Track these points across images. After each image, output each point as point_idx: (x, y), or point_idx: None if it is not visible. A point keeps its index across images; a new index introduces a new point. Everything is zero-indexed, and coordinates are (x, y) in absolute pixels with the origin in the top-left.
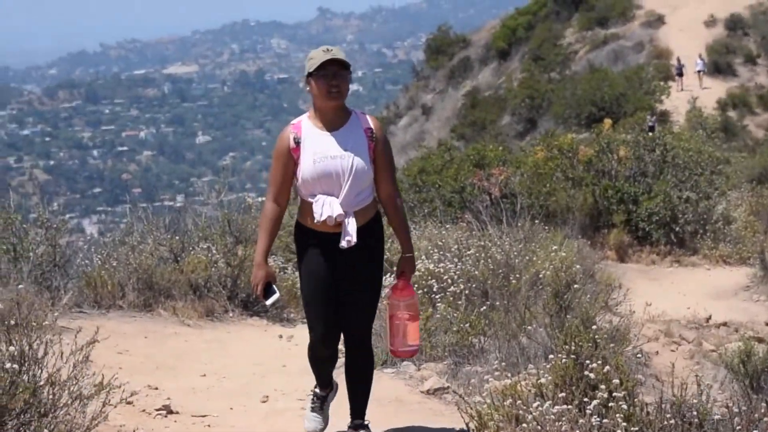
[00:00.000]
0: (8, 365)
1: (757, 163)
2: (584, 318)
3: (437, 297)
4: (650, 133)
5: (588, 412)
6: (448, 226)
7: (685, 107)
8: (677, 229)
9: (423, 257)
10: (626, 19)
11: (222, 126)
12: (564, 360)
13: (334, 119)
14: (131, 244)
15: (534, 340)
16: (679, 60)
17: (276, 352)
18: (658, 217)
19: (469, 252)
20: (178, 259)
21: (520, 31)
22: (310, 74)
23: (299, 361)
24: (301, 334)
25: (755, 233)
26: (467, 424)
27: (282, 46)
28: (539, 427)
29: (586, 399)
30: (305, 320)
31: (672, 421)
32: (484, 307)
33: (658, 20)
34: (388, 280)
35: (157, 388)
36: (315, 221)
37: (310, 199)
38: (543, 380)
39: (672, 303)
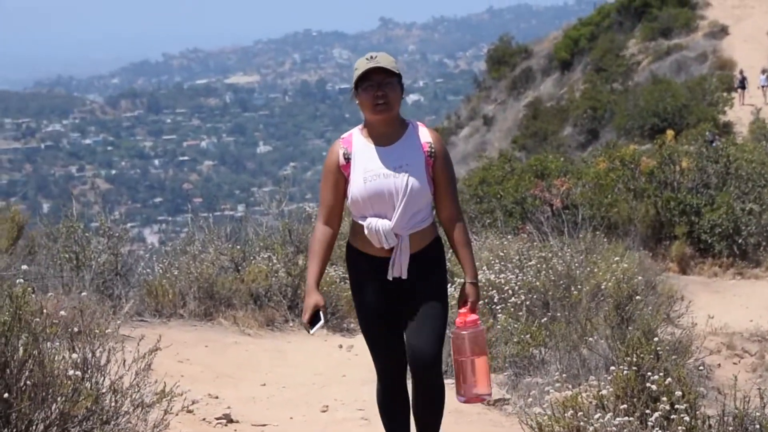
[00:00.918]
0: (71, 372)
1: None
2: (646, 330)
3: (498, 308)
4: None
5: (650, 424)
6: (509, 236)
7: (749, 119)
8: (740, 241)
9: (484, 268)
10: (689, 30)
11: (283, 136)
12: (625, 372)
13: (388, 132)
14: (192, 253)
15: (595, 351)
16: (741, 72)
17: (336, 362)
18: (720, 229)
19: (530, 263)
20: (239, 268)
21: (583, 41)
22: (356, 86)
23: (359, 371)
24: (361, 345)
25: None
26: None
27: (344, 56)
28: None
29: (647, 411)
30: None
31: None
32: (545, 319)
33: (721, 31)
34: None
35: (217, 397)
36: (375, 245)
37: (360, 221)
38: (604, 392)
39: (734, 316)
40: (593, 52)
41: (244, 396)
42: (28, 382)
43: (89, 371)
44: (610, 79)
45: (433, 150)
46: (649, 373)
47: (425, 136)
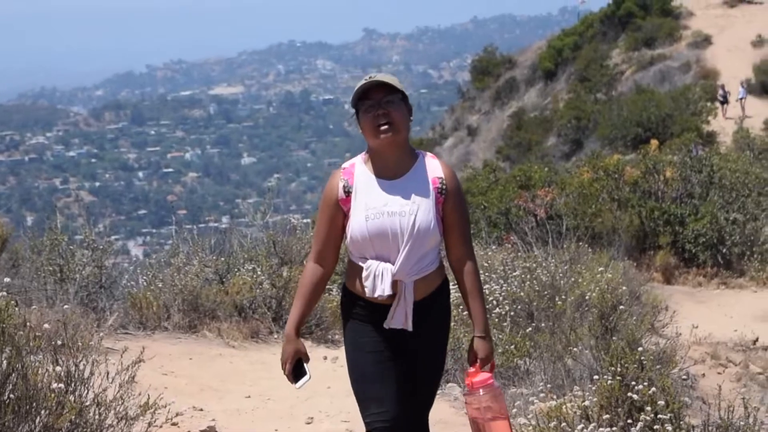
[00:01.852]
0: (55, 385)
1: None
2: (630, 340)
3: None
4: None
5: None
6: (493, 247)
7: (732, 128)
8: (724, 250)
9: None
10: (673, 40)
11: (267, 147)
12: (609, 382)
13: (394, 163)
14: (176, 265)
15: (579, 361)
16: (723, 87)
17: (321, 373)
18: (704, 238)
19: (514, 273)
20: (224, 280)
21: (567, 51)
22: (356, 109)
23: (344, 382)
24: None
25: None
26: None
27: (327, 67)
28: None
29: (631, 421)
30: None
31: None
32: (530, 329)
33: (705, 41)
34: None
35: (202, 410)
36: (366, 295)
37: (360, 263)
38: (588, 402)
39: (719, 325)
40: (577, 62)
41: (228, 408)
42: (11, 396)
43: (73, 384)
44: (593, 89)
45: (444, 186)
46: (634, 383)
47: (436, 170)
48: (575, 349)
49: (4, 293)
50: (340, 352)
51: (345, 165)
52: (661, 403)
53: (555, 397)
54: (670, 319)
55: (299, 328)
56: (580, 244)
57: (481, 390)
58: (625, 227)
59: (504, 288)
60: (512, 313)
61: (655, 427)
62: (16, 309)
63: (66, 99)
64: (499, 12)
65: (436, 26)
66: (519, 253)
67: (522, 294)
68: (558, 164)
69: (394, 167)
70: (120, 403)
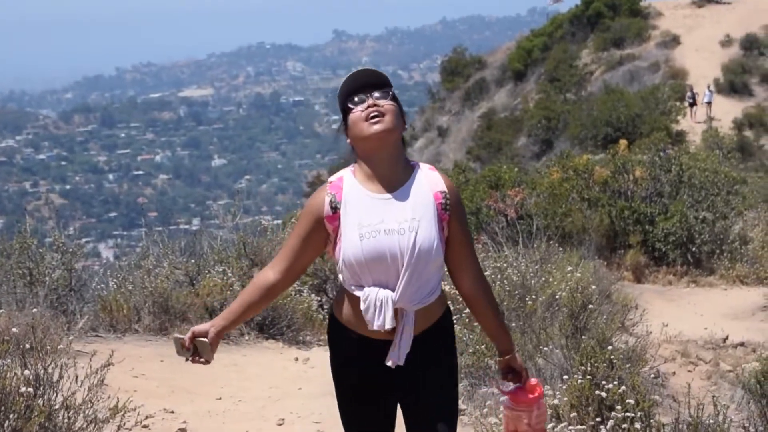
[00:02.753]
0: (23, 389)
1: None
2: (600, 339)
3: (453, 318)
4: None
5: None
6: None
7: (701, 127)
8: (694, 249)
9: None
10: (642, 40)
11: (237, 149)
12: (580, 381)
13: (390, 173)
14: (147, 267)
15: (550, 361)
16: (692, 89)
17: (292, 375)
18: (674, 237)
19: (485, 273)
20: (194, 282)
21: (536, 52)
22: (343, 113)
23: (315, 384)
24: (317, 357)
25: None
26: None
27: (297, 69)
28: None
29: (601, 420)
30: (320, 343)
31: None
32: None
33: (673, 40)
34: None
35: (173, 412)
36: (369, 327)
37: (355, 292)
38: (558, 401)
39: (689, 323)
40: (546, 63)
41: (200, 410)
42: None
43: (42, 388)
44: (563, 90)
45: (447, 202)
46: (604, 382)
47: (438, 183)
48: (546, 348)
49: None
50: (311, 354)
51: (332, 179)
52: (631, 401)
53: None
54: (641, 317)
55: (219, 326)
56: (551, 243)
57: (530, 405)
58: (595, 227)
59: None
60: None
61: (625, 425)
62: None
63: (35, 102)
64: (468, 13)
65: (405, 27)
66: (489, 253)
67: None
68: (528, 164)
69: (389, 178)
70: (89, 406)
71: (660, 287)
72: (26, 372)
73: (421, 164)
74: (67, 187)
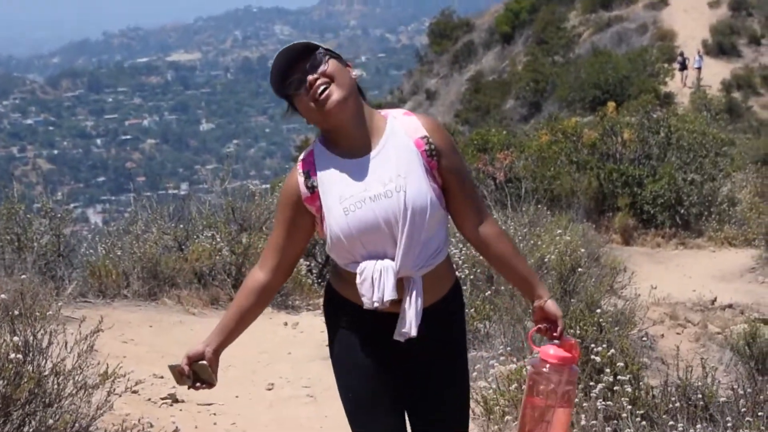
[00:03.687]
0: (13, 355)
1: (762, 144)
2: (589, 302)
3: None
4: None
5: (593, 395)
6: None
7: (690, 90)
8: (682, 211)
9: None
10: (630, 1)
11: (225, 113)
12: None
13: (360, 134)
14: (135, 233)
15: None
16: (682, 54)
17: (281, 339)
18: (663, 199)
19: None
20: (183, 247)
21: (524, 14)
22: (286, 96)
23: (304, 348)
24: (306, 322)
25: (760, 214)
26: (473, 410)
27: (285, 33)
28: None
29: (591, 383)
30: (309, 308)
31: (677, 404)
32: (489, 292)
33: (661, 2)
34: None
35: (162, 377)
36: (365, 306)
37: (350, 269)
38: None
39: (677, 286)
40: (534, 25)
41: None
42: None
43: (31, 354)
44: (551, 52)
45: (433, 145)
46: (593, 345)
47: (416, 128)
48: None
49: None
50: (300, 318)
51: (302, 156)
52: (621, 364)
53: (515, 360)
54: (629, 280)
55: (213, 345)
56: (539, 206)
57: (574, 366)
58: (583, 189)
59: (464, 252)
60: (471, 277)
61: (615, 388)
62: None
63: (22, 67)
64: None
65: None
66: None
67: (481, 258)
68: (516, 127)
69: (361, 139)
70: (79, 372)
71: (648, 250)
72: (15, 338)
73: (393, 111)
74: (55, 152)
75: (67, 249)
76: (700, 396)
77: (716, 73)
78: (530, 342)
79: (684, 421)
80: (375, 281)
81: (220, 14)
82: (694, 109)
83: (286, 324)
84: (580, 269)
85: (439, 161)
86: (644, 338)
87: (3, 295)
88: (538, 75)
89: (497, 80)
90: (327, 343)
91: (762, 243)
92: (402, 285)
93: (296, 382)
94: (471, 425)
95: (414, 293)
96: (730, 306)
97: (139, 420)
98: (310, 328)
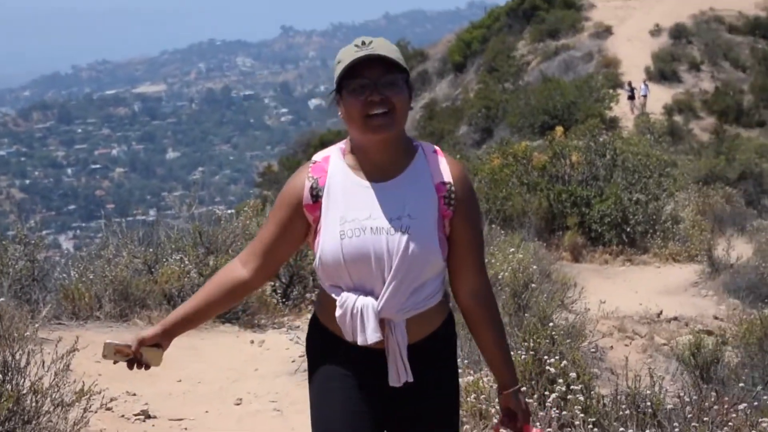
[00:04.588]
0: None
1: (703, 165)
2: (541, 316)
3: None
4: None
5: (548, 405)
6: None
7: (634, 114)
8: (628, 229)
9: None
10: (576, 31)
11: (191, 142)
12: (523, 356)
13: (386, 159)
14: (107, 257)
15: None
16: (630, 84)
17: (248, 356)
18: (609, 218)
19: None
20: (152, 270)
21: (475, 44)
22: (339, 87)
23: (271, 364)
24: (272, 339)
25: (702, 231)
26: None
27: (247, 64)
28: None
29: (545, 393)
30: (275, 326)
31: (627, 412)
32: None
33: (605, 31)
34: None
35: (135, 394)
36: (346, 338)
37: (331, 293)
38: None
39: (625, 300)
40: (485, 54)
41: (161, 392)
42: None
43: (10, 374)
44: (502, 79)
45: (452, 194)
46: (546, 357)
47: (443, 170)
48: None
49: None
50: (266, 336)
51: (316, 157)
52: (573, 375)
53: (472, 372)
54: (579, 295)
55: (168, 327)
56: (493, 226)
57: None
58: (534, 210)
59: None
60: None
61: (569, 397)
62: None
63: None
64: (410, 8)
65: (350, 22)
66: None
67: None
68: (470, 151)
69: (385, 164)
70: (56, 390)
71: (597, 266)
72: None
73: (425, 146)
74: (27, 181)
75: (41, 273)
76: (648, 404)
77: (658, 98)
78: None
79: (634, 428)
80: (355, 318)
81: (185, 47)
82: (638, 132)
83: (252, 342)
84: (532, 285)
85: (456, 212)
86: (594, 350)
87: None
88: (490, 102)
89: (450, 107)
90: (292, 359)
91: (704, 258)
92: (384, 325)
93: (264, 396)
94: None
95: (395, 338)
96: (675, 318)
97: None
98: (276, 345)
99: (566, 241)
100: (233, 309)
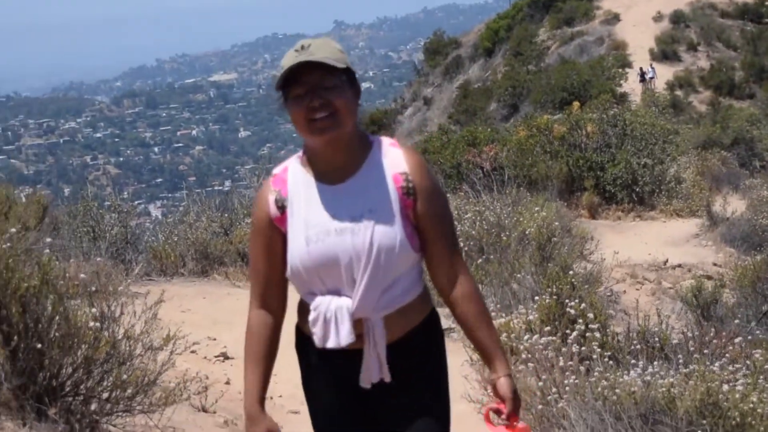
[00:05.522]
0: (92, 324)
1: (701, 133)
2: (563, 265)
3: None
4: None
5: (569, 342)
6: (448, 195)
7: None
8: (637, 189)
9: None
10: (588, 19)
11: (259, 122)
12: (548, 300)
13: (338, 161)
14: (189, 222)
15: (523, 285)
16: (642, 69)
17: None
18: (621, 180)
19: (467, 216)
20: (228, 232)
21: (502, 32)
22: (284, 92)
23: None
24: None
25: (701, 190)
26: (471, 357)
27: None
28: (530, 356)
29: (567, 331)
30: None
31: (638, 346)
32: (481, 260)
33: (614, 18)
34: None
35: (215, 339)
36: (316, 345)
37: (306, 300)
38: (531, 317)
39: (635, 251)
40: (511, 41)
41: (237, 337)
42: (56, 334)
43: (106, 322)
44: (525, 62)
45: (410, 184)
46: (567, 301)
47: (398, 162)
48: (519, 275)
49: (48, 251)
50: None
51: (276, 170)
52: (591, 315)
53: (504, 315)
54: (596, 247)
55: (262, 399)
56: (520, 189)
57: None
58: (556, 174)
59: (458, 228)
60: (466, 249)
61: (587, 335)
62: (57, 263)
63: (91, 90)
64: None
65: (393, 16)
66: (470, 199)
67: (474, 232)
68: (499, 125)
69: (341, 164)
70: (146, 336)
71: (611, 222)
72: (93, 310)
73: (382, 139)
74: (121, 159)
75: (133, 237)
76: (656, 339)
77: (661, 75)
78: (487, 420)
79: (644, 360)
80: (329, 321)
81: (252, 41)
82: (645, 105)
83: None
84: (554, 239)
85: (417, 200)
86: (609, 294)
87: (82, 275)
88: (515, 82)
89: (482, 87)
90: None
91: (704, 213)
92: (361, 323)
93: None
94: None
95: (373, 336)
96: (679, 266)
97: (196, 374)
98: None
99: (584, 201)
100: None
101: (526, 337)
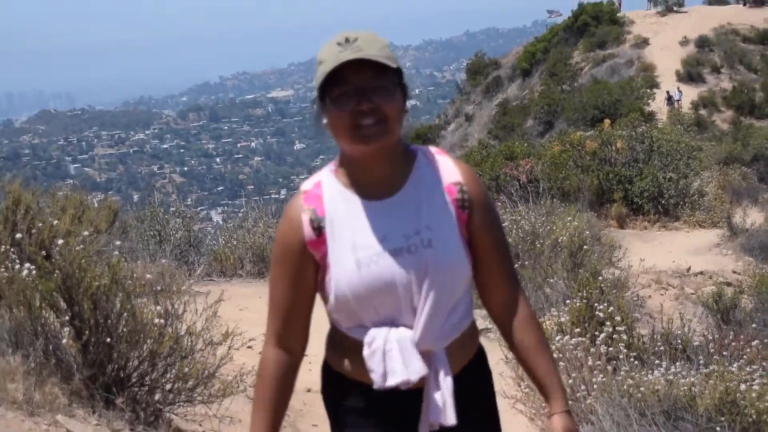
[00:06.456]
0: (157, 320)
1: (723, 150)
2: (593, 271)
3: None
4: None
5: (598, 342)
6: None
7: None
8: (663, 201)
9: None
10: (619, 42)
11: (313, 136)
12: (578, 304)
13: (383, 173)
14: (247, 227)
15: (555, 289)
16: (668, 92)
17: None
18: (648, 193)
19: (504, 224)
20: None
21: (539, 54)
22: (321, 93)
23: None
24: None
25: (723, 203)
26: (506, 355)
27: None
28: (561, 355)
29: (596, 333)
30: None
31: (662, 348)
32: (516, 266)
33: (643, 42)
34: None
35: None
36: (375, 385)
37: (354, 336)
38: (562, 320)
39: (660, 258)
40: (547, 62)
41: None
42: (124, 329)
43: (170, 319)
44: (560, 82)
45: (466, 195)
46: (596, 304)
47: (449, 171)
48: (551, 280)
49: (117, 252)
50: None
51: (305, 186)
52: (618, 318)
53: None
54: (623, 255)
55: None
56: (554, 200)
57: None
58: (587, 186)
59: None
60: None
61: (614, 336)
62: (126, 264)
63: (159, 104)
64: (486, 26)
65: (438, 39)
66: (507, 209)
67: (510, 240)
68: (535, 140)
69: (387, 177)
70: (207, 332)
71: (638, 231)
72: (158, 308)
73: (424, 148)
74: (185, 168)
75: (195, 241)
76: (679, 341)
77: (686, 95)
78: None
79: (667, 361)
80: (391, 357)
81: (307, 60)
82: (671, 123)
83: None
84: (585, 247)
85: (471, 215)
86: (636, 298)
87: (148, 276)
88: (551, 100)
89: (519, 105)
90: None
91: (724, 225)
92: (424, 363)
93: None
94: None
95: (441, 372)
96: (701, 273)
97: (252, 368)
98: None
99: (613, 212)
100: None
101: (557, 338)
